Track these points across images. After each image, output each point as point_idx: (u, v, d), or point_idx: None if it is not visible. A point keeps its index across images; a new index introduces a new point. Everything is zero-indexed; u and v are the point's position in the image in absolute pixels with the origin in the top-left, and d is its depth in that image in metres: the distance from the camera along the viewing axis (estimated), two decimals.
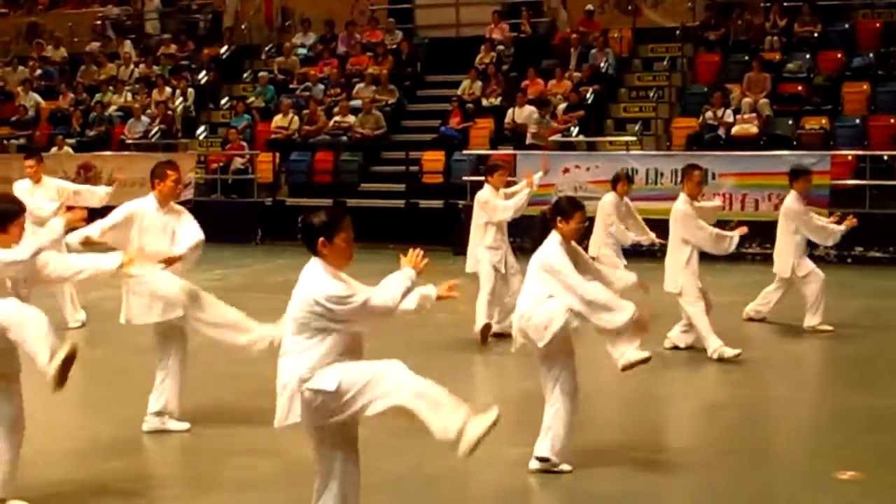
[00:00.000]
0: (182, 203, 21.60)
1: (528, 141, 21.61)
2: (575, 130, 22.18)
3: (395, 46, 26.28)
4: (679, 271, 11.81)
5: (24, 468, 7.41)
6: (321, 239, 6.04)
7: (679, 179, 13.79)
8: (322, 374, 5.87)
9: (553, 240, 7.95)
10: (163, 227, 9.04)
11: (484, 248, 12.80)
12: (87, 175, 24.25)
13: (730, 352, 11.55)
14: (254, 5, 28.89)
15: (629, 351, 7.80)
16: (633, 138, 21.90)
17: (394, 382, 5.84)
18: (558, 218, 7.97)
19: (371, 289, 6.12)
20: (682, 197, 11.98)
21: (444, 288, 6.55)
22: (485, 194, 12.85)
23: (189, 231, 9.12)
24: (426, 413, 5.82)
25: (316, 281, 5.99)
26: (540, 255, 7.96)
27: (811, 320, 13.15)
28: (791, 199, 13.20)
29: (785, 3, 23.38)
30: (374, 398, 5.84)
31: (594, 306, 7.68)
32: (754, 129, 20.66)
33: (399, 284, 6.15)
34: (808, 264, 13.25)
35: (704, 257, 12.08)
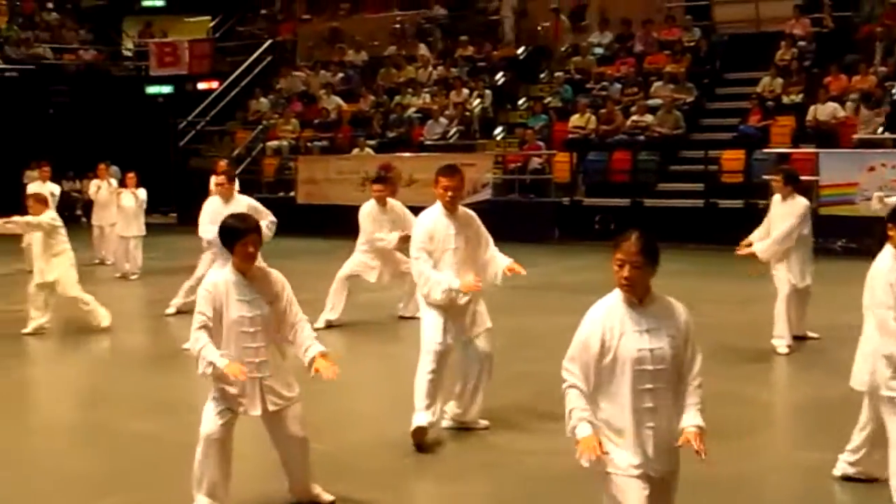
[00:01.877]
0: (479, 203, 22.84)
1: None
2: (881, 128, 21.99)
3: (692, 44, 26.49)
4: None
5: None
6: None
7: None
8: None
9: (886, 253, 7.21)
10: (453, 237, 9.03)
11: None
12: (386, 175, 25.68)
13: None
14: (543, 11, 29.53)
15: None
16: None
17: None
18: (889, 225, 7.21)
19: None
20: None
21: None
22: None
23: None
24: None
25: None
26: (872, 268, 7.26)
27: None
28: None
29: None
30: None
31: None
32: None
33: None
34: None
35: None
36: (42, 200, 14.97)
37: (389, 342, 14.09)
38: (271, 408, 7.06)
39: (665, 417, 5.50)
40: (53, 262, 14.48)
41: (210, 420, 7.02)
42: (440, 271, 8.94)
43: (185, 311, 15.65)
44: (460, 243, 9.01)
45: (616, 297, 5.60)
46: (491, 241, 9.28)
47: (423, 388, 8.97)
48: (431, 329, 9.03)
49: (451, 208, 9.09)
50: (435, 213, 9.12)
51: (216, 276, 7.14)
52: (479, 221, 9.28)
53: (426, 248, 9.00)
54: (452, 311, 9.01)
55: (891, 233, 7.16)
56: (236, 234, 6.93)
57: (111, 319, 14.83)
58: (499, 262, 9.13)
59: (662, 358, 5.44)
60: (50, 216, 14.60)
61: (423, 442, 8.87)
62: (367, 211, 14.60)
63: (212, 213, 13.43)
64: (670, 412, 5.51)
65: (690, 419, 5.47)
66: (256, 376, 6.96)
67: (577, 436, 5.40)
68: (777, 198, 12.55)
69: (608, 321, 5.51)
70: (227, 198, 13.76)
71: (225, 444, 7.06)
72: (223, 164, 21.23)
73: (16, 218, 14.81)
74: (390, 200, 14.77)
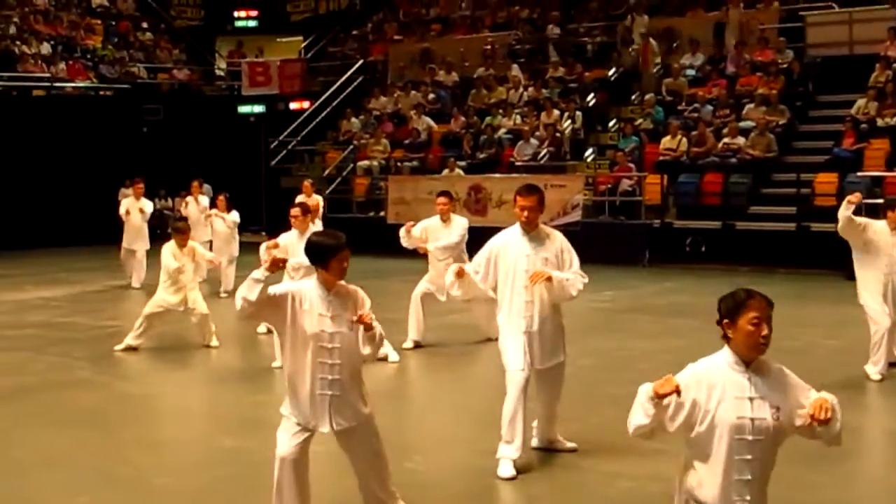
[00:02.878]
0: (569, 225, 22.83)
1: None
2: None
3: (785, 66, 26.34)
4: None
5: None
6: (725, 321, 5.42)
7: None
8: None
9: None
10: (526, 257, 8.98)
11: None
12: (476, 196, 25.79)
13: None
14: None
15: None
16: None
17: None
18: None
19: None
20: None
21: None
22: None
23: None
24: None
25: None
26: None
27: None
28: None
29: None
30: None
31: None
32: None
33: None
34: None
35: None
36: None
37: (473, 363, 14.17)
38: (341, 426, 7.07)
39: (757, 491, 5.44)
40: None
41: (285, 441, 7.07)
42: (512, 292, 8.97)
43: (273, 329, 15.93)
44: (534, 264, 8.92)
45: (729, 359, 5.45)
46: (577, 263, 9.13)
47: (507, 417, 8.99)
48: (509, 352, 9.05)
49: (527, 228, 9.07)
50: (510, 234, 9.13)
51: (302, 285, 7.19)
52: (564, 243, 9.15)
53: (479, 268, 9.11)
54: (531, 336, 9.01)
55: None
56: (332, 250, 6.98)
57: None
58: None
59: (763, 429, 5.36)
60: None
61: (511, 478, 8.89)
62: (428, 225, 14.76)
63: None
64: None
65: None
66: (328, 393, 7.00)
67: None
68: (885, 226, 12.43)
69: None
70: (302, 231, 13.60)
71: (300, 465, 7.08)
72: (308, 184, 21.51)
73: None
74: (454, 216, 14.84)
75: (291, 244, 13.42)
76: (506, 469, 8.86)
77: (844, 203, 12.28)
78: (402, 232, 14.67)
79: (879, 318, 12.33)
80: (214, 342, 15.10)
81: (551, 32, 31.87)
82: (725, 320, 5.36)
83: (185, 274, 15.00)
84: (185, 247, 15.12)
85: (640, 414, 5.45)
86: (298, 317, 6.97)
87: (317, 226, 15.30)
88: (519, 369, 8.93)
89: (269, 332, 15.88)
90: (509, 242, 9.03)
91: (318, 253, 7.04)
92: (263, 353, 14.71)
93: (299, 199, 20.10)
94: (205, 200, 23.05)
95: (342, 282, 7.11)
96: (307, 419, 7.04)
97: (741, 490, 5.34)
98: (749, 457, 5.32)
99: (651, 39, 28.25)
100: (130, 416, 11.59)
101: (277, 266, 7.22)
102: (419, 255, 14.95)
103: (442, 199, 14.90)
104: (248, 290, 6.87)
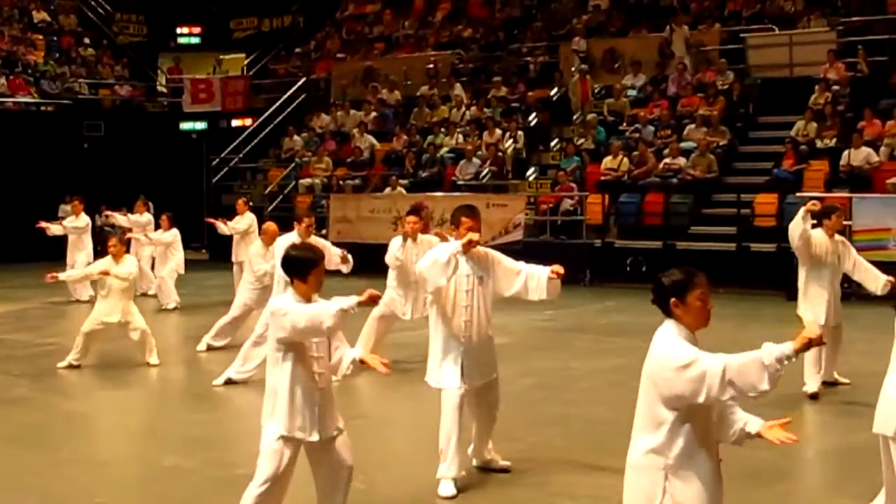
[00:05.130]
0: (511, 244, 22.90)
1: None
2: None
3: (726, 87, 26.56)
4: None
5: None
6: (673, 299, 5.60)
7: None
8: None
9: None
10: (466, 277, 8.99)
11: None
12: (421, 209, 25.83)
13: None
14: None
15: None
16: None
17: None
18: None
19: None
20: None
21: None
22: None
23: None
24: None
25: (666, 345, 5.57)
26: None
27: None
28: None
29: None
30: None
31: None
32: None
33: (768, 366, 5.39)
34: None
35: None
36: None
37: (421, 381, 14.18)
38: (327, 434, 7.19)
39: None
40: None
41: (274, 456, 7.09)
42: (452, 311, 9.00)
43: (216, 347, 15.91)
44: (473, 285, 8.99)
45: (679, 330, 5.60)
46: (521, 263, 9.17)
47: (445, 436, 9.03)
48: (447, 373, 9.06)
49: (466, 249, 8.99)
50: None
51: (283, 300, 7.23)
52: (491, 254, 9.20)
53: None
54: (468, 354, 9.04)
55: None
56: (312, 263, 7.17)
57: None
58: (539, 273, 8.99)
59: None
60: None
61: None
62: (398, 245, 14.47)
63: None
64: None
65: None
66: (317, 403, 7.12)
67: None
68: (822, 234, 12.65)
69: None
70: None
71: (285, 482, 7.20)
72: (241, 202, 21.52)
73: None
74: (421, 235, 14.45)
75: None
76: (446, 489, 8.92)
77: (803, 210, 12.41)
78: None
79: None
80: (155, 360, 15.01)
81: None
82: (673, 299, 5.54)
83: (112, 286, 14.93)
84: (118, 257, 15.07)
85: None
86: None
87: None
88: (455, 387, 8.98)
89: (210, 349, 15.95)
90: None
91: (298, 266, 7.19)
92: (205, 370, 14.68)
93: (235, 219, 20.12)
94: (146, 217, 23.28)
95: (316, 294, 7.24)
96: (297, 429, 7.09)
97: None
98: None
99: (588, 77, 28.35)
100: (70, 434, 11.52)
101: (373, 302, 7.30)
102: (361, 275, 14.89)
103: (411, 218, 14.50)
104: (340, 321, 6.92)
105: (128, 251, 16.21)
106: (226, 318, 16.03)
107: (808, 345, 5.45)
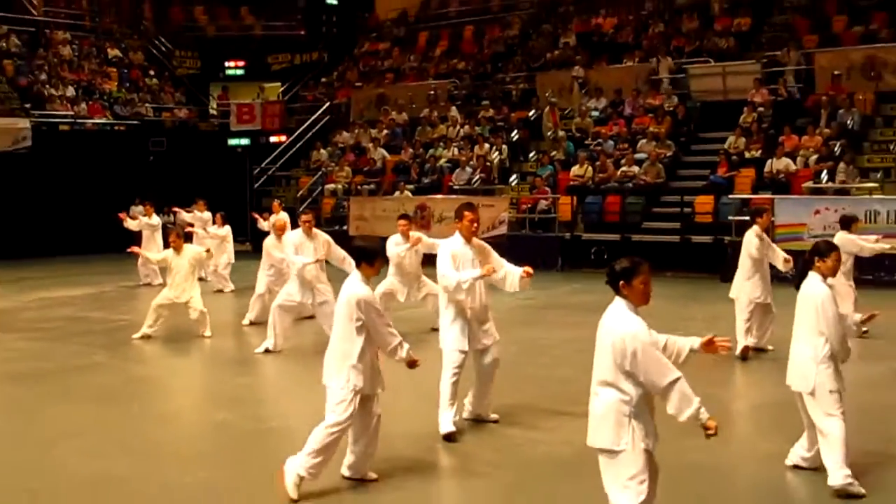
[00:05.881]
0: (496, 237, 22.81)
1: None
2: (825, 178, 21.96)
3: (672, 109, 26.45)
4: None
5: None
6: (622, 282, 5.88)
7: None
8: None
9: (814, 278, 7.62)
10: (471, 260, 9.10)
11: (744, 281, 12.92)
12: (422, 214, 25.77)
13: None
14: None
15: None
16: (876, 185, 21.40)
17: None
18: (816, 258, 7.64)
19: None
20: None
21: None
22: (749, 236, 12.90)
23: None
24: None
25: (620, 319, 5.85)
26: (808, 292, 7.62)
27: None
28: None
29: None
30: None
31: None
32: None
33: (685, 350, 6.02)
34: None
35: None
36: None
37: (419, 349, 14.16)
38: (382, 389, 7.67)
39: None
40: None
41: (348, 406, 7.39)
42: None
43: (257, 322, 15.91)
44: (477, 267, 9.05)
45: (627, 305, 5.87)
46: (504, 261, 9.29)
47: (448, 390, 9.04)
48: (453, 336, 9.08)
49: (469, 237, 9.17)
50: (455, 243, 9.20)
51: (356, 286, 7.61)
52: (490, 250, 9.33)
53: (452, 266, 9.05)
54: (471, 321, 9.05)
55: (818, 263, 7.64)
56: (377, 253, 7.80)
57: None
58: (514, 272, 9.11)
59: None
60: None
61: (452, 439, 8.94)
62: (393, 242, 14.60)
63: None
64: None
65: None
66: (378, 366, 7.63)
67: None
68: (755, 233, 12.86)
69: None
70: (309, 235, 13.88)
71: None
72: (276, 203, 21.44)
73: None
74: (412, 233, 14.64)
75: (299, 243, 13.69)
76: (446, 425, 8.96)
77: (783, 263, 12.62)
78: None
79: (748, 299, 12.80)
80: (208, 332, 15.03)
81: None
82: (622, 281, 5.84)
83: (176, 271, 14.96)
84: (179, 249, 15.10)
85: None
86: None
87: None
88: (459, 349, 9.00)
89: (252, 324, 15.94)
90: (458, 250, 9.11)
91: (368, 254, 7.70)
92: (248, 342, 14.67)
93: (272, 217, 20.09)
94: (207, 214, 23.54)
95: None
96: (368, 385, 7.47)
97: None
98: None
99: (556, 108, 28.22)
100: (140, 393, 11.52)
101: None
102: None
103: (402, 222, 14.75)
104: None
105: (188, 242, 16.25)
106: (253, 297, 16.35)
107: (710, 344, 6.02)
